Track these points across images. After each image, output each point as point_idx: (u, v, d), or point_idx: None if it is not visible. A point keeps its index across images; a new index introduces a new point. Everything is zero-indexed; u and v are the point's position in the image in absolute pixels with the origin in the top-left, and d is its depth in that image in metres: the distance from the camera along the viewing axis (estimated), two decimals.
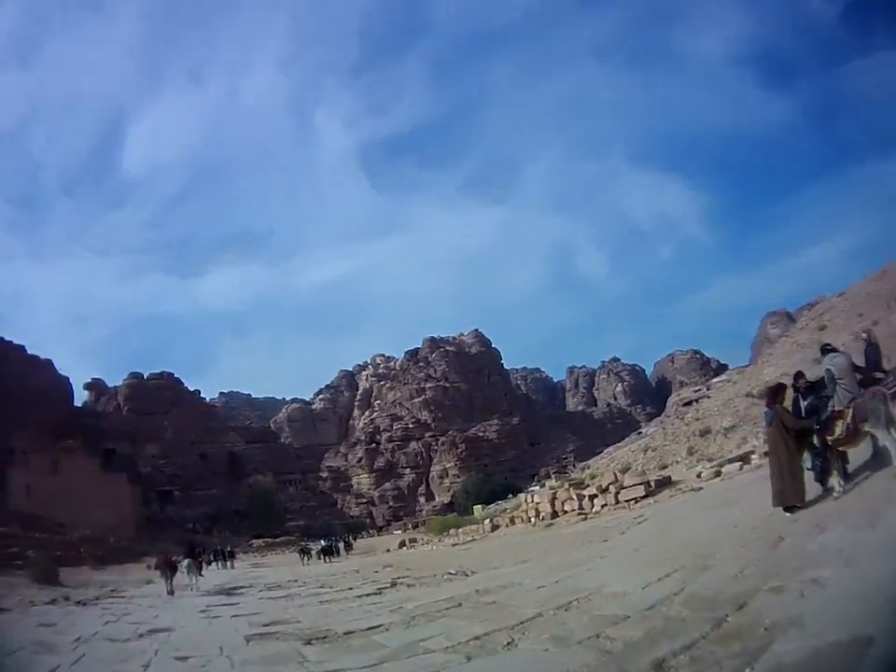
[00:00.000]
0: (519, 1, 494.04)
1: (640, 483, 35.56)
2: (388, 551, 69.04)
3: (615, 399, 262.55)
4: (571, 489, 41.77)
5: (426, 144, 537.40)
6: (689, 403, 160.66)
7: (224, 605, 25.43)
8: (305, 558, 65.19)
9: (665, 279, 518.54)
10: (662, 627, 9.50)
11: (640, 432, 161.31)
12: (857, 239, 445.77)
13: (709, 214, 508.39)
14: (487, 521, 54.63)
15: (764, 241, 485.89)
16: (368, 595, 22.40)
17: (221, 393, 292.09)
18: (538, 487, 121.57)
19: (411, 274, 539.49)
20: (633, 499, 34.55)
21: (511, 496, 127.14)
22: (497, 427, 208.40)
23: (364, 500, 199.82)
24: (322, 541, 75.42)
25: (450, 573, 24.68)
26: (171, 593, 32.83)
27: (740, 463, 32.99)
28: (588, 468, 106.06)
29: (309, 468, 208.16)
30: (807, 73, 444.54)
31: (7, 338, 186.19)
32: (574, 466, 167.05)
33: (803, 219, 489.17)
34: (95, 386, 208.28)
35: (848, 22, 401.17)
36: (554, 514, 41.02)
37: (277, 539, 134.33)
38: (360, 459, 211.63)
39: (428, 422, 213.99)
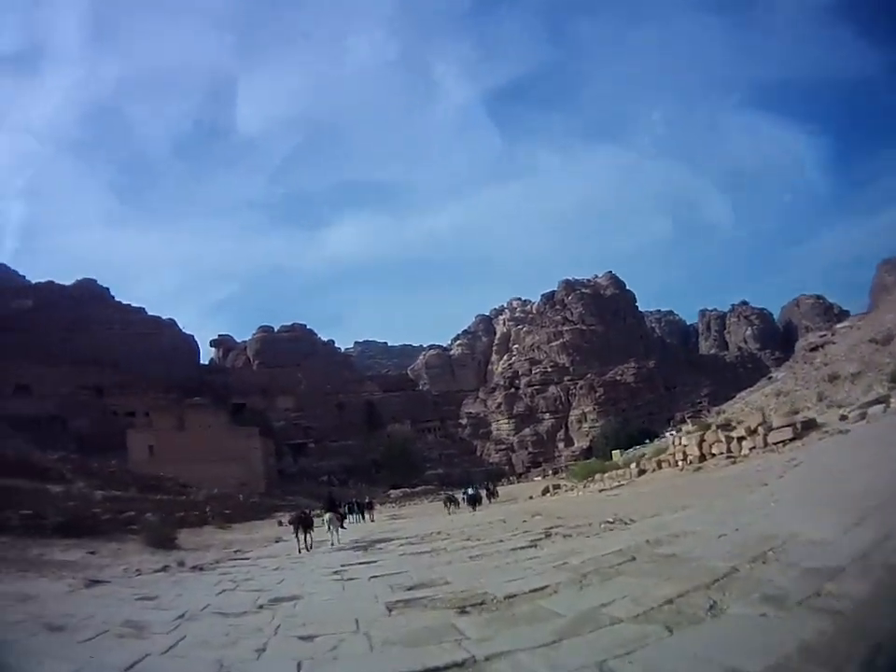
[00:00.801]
0: None
1: (788, 425, 35.05)
2: (531, 498, 67.00)
3: (745, 342, 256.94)
4: (719, 431, 41.13)
5: (543, 89, 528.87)
6: (815, 349, 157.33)
7: (361, 563, 22.99)
8: (452, 507, 63.67)
9: (787, 224, 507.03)
10: (891, 580, 8.47)
11: (770, 377, 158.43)
12: None
13: (827, 158, 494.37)
14: (634, 465, 53.17)
15: (883, 186, 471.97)
16: (522, 548, 20.18)
17: (356, 342, 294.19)
18: (674, 432, 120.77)
19: (539, 218, 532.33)
20: (781, 442, 34.05)
21: (647, 441, 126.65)
22: (633, 371, 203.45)
23: (504, 447, 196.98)
24: (469, 489, 72.06)
25: (607, 521, 22.58)
26: (307, 549, 31.95)
27: (883, 406, 32.98)
28: (723, 412, 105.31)
29: (448, 415, 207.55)
30: None
31: (126, 302, 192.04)
32: (708, 410, 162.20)
33: None
34: (223, 343, 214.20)
35: None
36: (702, 458, 40.50)
37: (415, 489, 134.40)
38: (499, 405, 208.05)
39: (566, 365, 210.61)
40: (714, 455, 39.36)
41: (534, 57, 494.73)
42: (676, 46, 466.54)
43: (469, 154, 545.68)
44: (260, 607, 14.35)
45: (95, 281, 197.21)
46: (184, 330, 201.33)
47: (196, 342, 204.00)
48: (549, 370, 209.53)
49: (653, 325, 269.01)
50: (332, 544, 33.25)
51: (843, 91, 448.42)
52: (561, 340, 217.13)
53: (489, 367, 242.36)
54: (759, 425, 37.18)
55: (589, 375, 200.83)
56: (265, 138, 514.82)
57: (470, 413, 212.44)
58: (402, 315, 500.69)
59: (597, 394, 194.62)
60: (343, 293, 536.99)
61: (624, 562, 13.84)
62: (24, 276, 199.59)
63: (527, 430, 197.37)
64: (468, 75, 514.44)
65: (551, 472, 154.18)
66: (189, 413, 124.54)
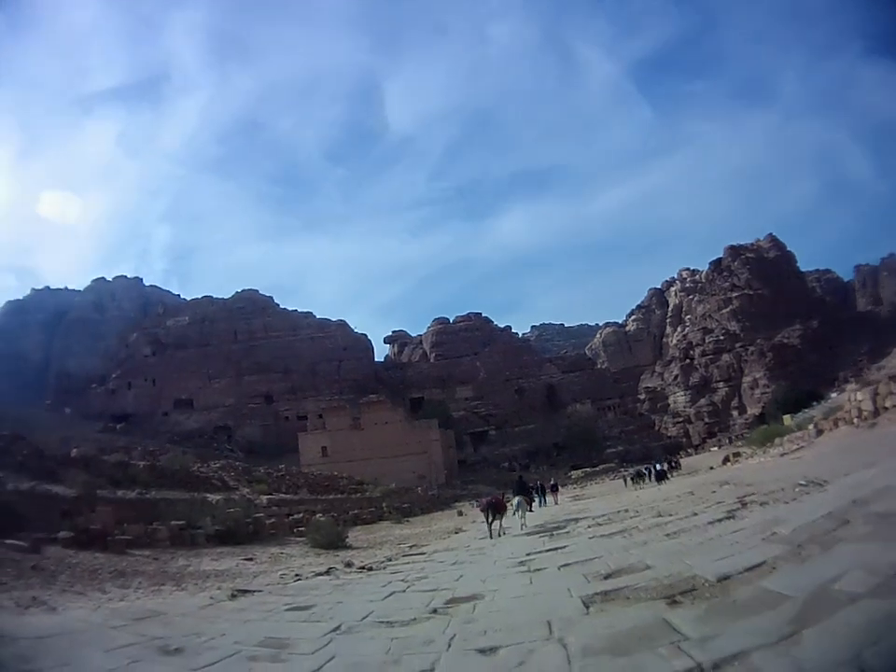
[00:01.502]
0: None
1: None
2: (712, 468, 65.40)
3: None
4: (892, 383, 38.62)
5: (684, 59, 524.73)
6: None
7: (548, 550, 21.51)
8: (639, 481, 65.57)
9: None
10: None
11: None
12: None
13: None
14: (811, 426, 52.16)
15: None
16: (720, 520, 19.08)
17: (533, 326, 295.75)
18: (836, 394, 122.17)
19: (699, 187, 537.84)
20: None
21: (815, 403, 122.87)
22: (799, 333, 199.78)
23: (680, 419, 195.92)
24: (656, 465, 71.90)
25: (801, 484, 21.32)
26: (500, 534, 31.35)
27: None
28: (883, 367, 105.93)
29: (627, 391, 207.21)
30: None
31: (293, 309, 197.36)
32: (868, 368, 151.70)
33: None
34: (397, 339, 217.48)
35: None
36: (876, 412, 37.99)
37: (596, 468, 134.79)
38: (676, 377, 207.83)
39: (737, 332, 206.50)
40: (887, 408, 37.22)
41: (668, 26, 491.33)
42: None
43: (623, 130, 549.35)
44: (434, 611, 13.19)
45: (257, 291, 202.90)
46: (356, 330, 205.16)
47: (370, 340, 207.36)
48: (721, 338, 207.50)
49: (813, 285, 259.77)
50: (523, 527, 32.79)
51: None
52: (730, 307, 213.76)
53: (664, 340, 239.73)
54: None
55: (759, 341, 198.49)
56: (420, 135, 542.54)
57: (648, 387, 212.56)
58: (577, 296, 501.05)
59: (767, 359, 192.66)
60: (517, 280, 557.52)
61: (839, 527, 12.58)
62: (178, 295, 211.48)
63: (703, 401, 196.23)
64: (608, 50, 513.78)
65: (726, 441, 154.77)
66: (365, 410, 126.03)
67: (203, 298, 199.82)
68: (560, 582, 14.57)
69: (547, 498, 61.24)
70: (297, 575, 22.53)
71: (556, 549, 21.57)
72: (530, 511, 41.04)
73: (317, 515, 45.30)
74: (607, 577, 13.92)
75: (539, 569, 17.34)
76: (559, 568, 16.69)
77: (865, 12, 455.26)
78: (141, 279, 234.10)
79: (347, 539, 35.81)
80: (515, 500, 36.25)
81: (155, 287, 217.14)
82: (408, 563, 24.65)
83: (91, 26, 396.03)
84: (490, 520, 32.03)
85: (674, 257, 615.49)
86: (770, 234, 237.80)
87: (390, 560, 26.27)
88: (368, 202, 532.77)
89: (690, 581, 11.56)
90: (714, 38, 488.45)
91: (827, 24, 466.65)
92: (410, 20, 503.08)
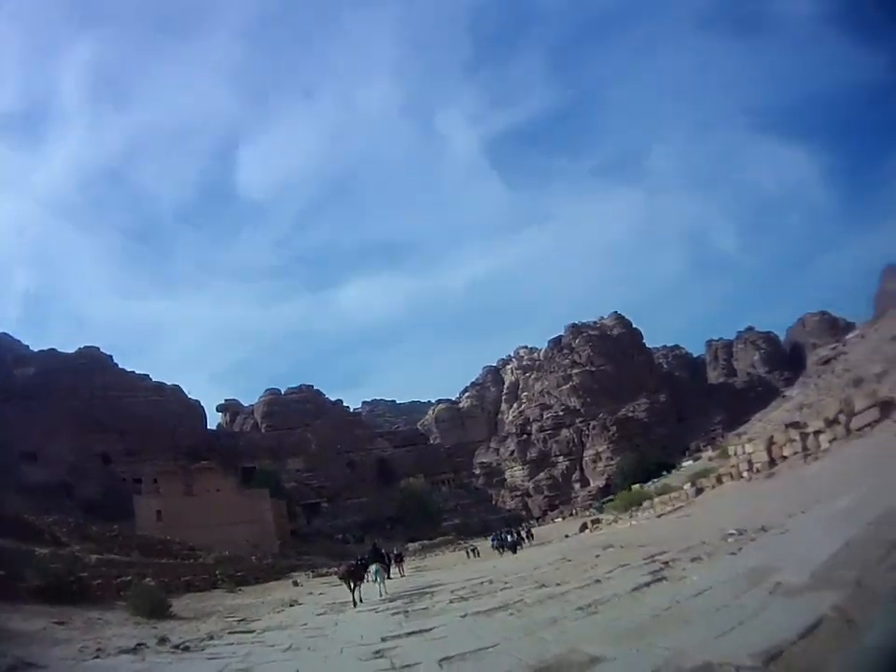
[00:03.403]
0: None
1: (873, 405, 32.35)
2: (567, 537, 65.60)
3: (753, 367, 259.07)
4: (789, 430, 39.04)
5: (551, 133, 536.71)
6: (827, 361, 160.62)
7: (412, 633, 17.12)
8: (500, 552, 62.35)
9: (794, 245, 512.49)
10: None
11: (784, 395, 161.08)
12: None
13: (830, 175, 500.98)
14: (688, 486, 51.45)
15: (883, 196, 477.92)
16: (648, 584, 15.99)
17: (364, 402, 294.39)
18: (691, 461, 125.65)
19: (550, 266, 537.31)
20: (867, 426, 31.67)
21: (665, 472, 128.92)
22: (645, 407, 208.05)
23: (519, 493, 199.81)
24: (507, 535, 69.18)
25: (731, 534, 19.59)
26: (360, 601, 30.71)
27: None
28: (744, 433, 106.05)
29: (461, 466, 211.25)
30: None
31: (131, 369, 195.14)
32: (723, 437, 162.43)
33: None
34: (229, 407, 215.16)
35: None
36: (772, 462, 38.22)
37: (434, 541, 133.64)
38: (512, 452, 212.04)
39: (577, 408, 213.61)
40: (785, 456, 37.33)
41: (541, 100, 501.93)
42: (679, 77, 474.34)
43: (478, 205, 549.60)
44: None
45: (98, 349, 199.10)
46: (190, 396, 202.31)
47: (202, 407, 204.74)
48: (560, 413, 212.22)
49: (661, 361, 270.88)
50: (381, 595, 32.07)
51: (842, 104, 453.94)
52: (570, 383, 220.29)
53: (499, 416, 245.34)
54: (838, 412, 34.91)
55: (601, 415, 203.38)
56: (274, 200, 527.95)
57: (483, 462, 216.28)
58: (415, 372, 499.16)
59: (610, 432, 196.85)
60: (353, 354, 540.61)
61: (822, 587, 9.74)
62: (28, 346, 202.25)
63: (542, 475, 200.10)
64: (473, 122, 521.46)
65: (569, 513, 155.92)
66: (198, 477, 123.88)
67: (49, 350, 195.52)
68: None
69: (392, 569, 55.96)
70: (98, 649, 18.95)
71: (421, 632, 17.12)
72: (389, 577, 40.72)
73: (147, 579, 41.25)
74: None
75: (407, 666, 12.72)
76: (440, 665, 12.07)
77: (751, 89, 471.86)
78: None
79: (172, 608, 32.33)
80: (373, 567, 35.04)
81: (6, 334, 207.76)
82: (232, 643, 20.66)
83: None
84: (352, 587, 31.79)
85: (512, 335, 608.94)
86: (615, 312, 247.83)
87: (212, 638, 22.31)
88: (219, 267, 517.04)
89: None
90: (586, 114, 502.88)
91: (710, 101, 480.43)
92: (282, 77, 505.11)
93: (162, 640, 20.98)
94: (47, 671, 15.76)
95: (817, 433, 35.40)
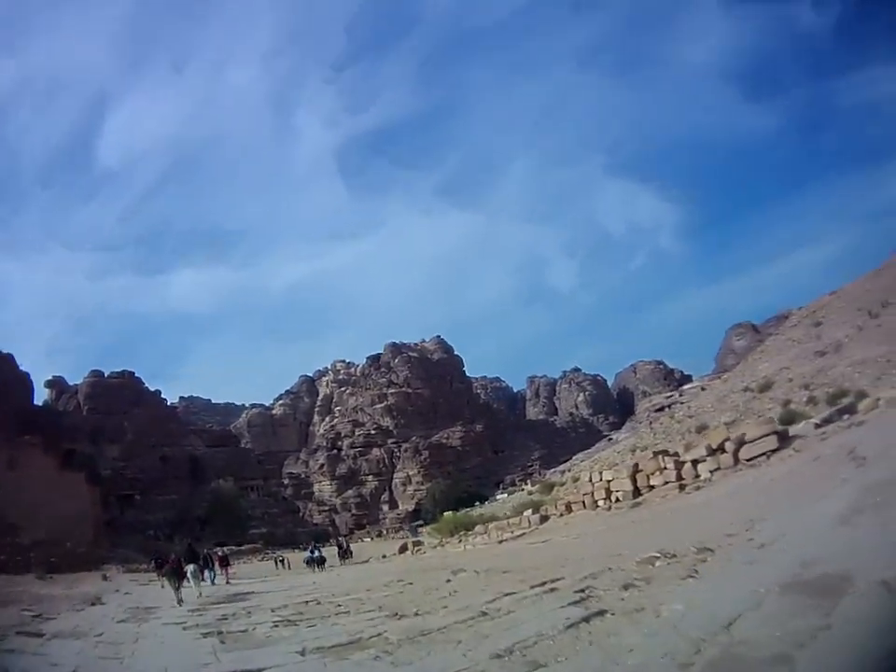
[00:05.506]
0: (505, 2, 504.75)
1: (769, 434, 31.64)
2: (385, 557, 62.70)
3: (576, 408, 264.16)
4: (661, 457, 37.18)
5: (404, 144, 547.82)
6: (661, 409, 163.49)
7: None
8: (315, 567, 57.26)
9: (634, 289, 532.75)
10: None
11: (610, 438, 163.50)
12: (825, 253, 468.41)
13: (682, 226, 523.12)
14: (529, 512, 48.72)
15: (733, 255, 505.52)
16: (584, 620, 12.00)
17: (181, 397, 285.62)
18: (505, 495, 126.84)
19: (378, 279, 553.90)
20: (760, 455, 30.86)
21: (478, 503, 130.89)
22: (460, 435, 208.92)
23: (326, 508, 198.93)
24: (315, 550, 63.20)
25: (655, 556, 16.43)
26: (179, 601, 29.22)
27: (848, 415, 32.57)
28: (569, 470, 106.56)
29: (270, 473, 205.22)
30: (792, 86, 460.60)
31: None
32: (540, 473, 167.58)
33: (774, 233, 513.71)
34: (56, 384, 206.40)
35: (840, 37, 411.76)
36: (637, 492, 36.73)
37: (242, 547, 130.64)
38: (322, 466, 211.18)
39: (390, 428, 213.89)
40: (654, 486, 36.00)
41: (399, 108, 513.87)
42: (544, 104, 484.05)
43: (318, 206, 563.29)
44: None
45: None
46: (20, 368, 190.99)
47: (31, 380, 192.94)
48: (372, 432, 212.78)
49: (479, 391, 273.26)
50: (198, 596, 31.45)
51: (706, 158, 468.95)
52: (385, 402, 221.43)
53: (311, 428, 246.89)
54: (724, 440, 33.89)
55: (414, 438, 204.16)
56: (125, 171, 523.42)
57: (292, 473, 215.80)
58: (228, 372, 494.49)
59: (423, 457, 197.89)
60: (174, 343, 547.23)
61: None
62: None
63: (350, 492, 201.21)
64: (329, 124, 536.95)
65: (376, 534, 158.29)
66: (22, 451, 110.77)
67: None
68: None
69: (217, 573, 47.31)
70: None
71: None
72: (205, 582, 38.70)
73: None
74: None
75: None
76: None
77: (615, 127, 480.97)
78: None
79: None
80: (190, 568, 34.13)
81: None
82: (11, 650, 16.21)
83: None
84: (176, 584, 30.79)
85: (332, 345, 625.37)
86: (437, 336, 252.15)
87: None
88: (63, 234, 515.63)
89: None
90: (441, 128, 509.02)
91: (569, 133, 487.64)
92: (157, 49, 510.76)
93: None
94: None
95: (695, 462, 34.52)
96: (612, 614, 12.08)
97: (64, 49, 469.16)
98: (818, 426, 32.80)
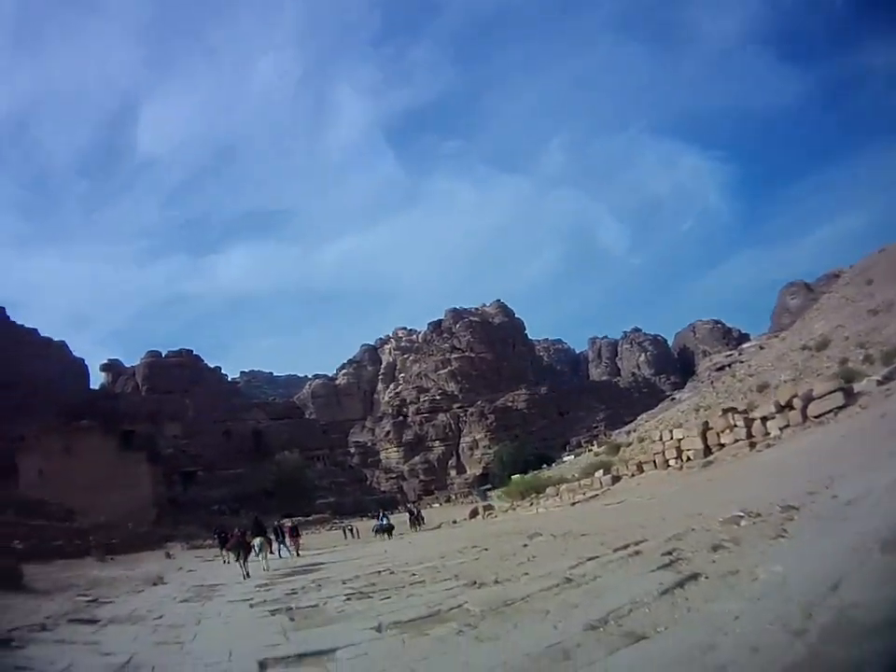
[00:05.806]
0: None
1: (836, 390, 30.71)
2: (455, 522, 61.29)
3: (638, 368, 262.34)
4: (731, 415, 36.07)
5: (447, 116, 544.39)
6: (721, 368, 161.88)
7: (305, 659, 11.48)
8: (384, 536, 56.08)
9: (686, 252, 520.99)
10: None
11: (673, 398, 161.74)
12: (860, 221, 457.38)
13: (728, 187, 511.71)
14: (600, 473, 48.90)
15: (779, 217, 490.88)
16: (679, 585, 11.29)
17: (242, 372, 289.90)
18: (571, 456, 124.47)
19: (433, 248, 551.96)
20: (828, 413, 29.89)
21: (545, 465, 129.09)
22: (525, 397, 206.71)
23: (394, 475, 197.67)
24: (384, 517, 62.45)
25: (738, 516, 15.73)
26: (246, 575, 29.51)
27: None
28: (634, 430, 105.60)
29: (336, 443, 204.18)
30: (821, 52, 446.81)
31: (20, 323, 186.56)
32: (605, 434, 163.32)
33: (814, 200, 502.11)
34: (112, 367, 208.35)
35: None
36: (707, 450, 36.02)
37: (309, 518, 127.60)
38: (388, 433, 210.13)
39: (455, 393, 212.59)
40: (724, 444, 35.14)
41: (440, 83, 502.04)
42: (583, 75, 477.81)
43: (367, 180, 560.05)
44: None
45: None
46: (75, 354, 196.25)
47: (86, 366, 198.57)
48: (437, 397, 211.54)
49: (542, 353, 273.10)
50: (265, 569, 31.58)
51: (754, 121, 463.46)
52: (449, 367, 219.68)
53: (375, 396, 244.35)
54: (792, 397, 32.69)
55: (479, 402, 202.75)
56: (166, 159, 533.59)
57: (358, 441, 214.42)
58: (290, 345, 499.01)
59: (489, 420, 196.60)
60: (231, 322, 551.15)
61: None
62: None
63: (417, 458, 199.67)
64: (369, 96, 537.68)
65: (445, 500, 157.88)
66: (78, 437, 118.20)
67: None
68: None
69: (287, 545, 47.49)
70: None
71: (318, 654, 11.55)
72: (280, 557, 40.14)
73: (15, 542, 38.89)
74: None
75: None
76: None
77: (659, 92, 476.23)
78: None
79: (23, 579, 25.41)
80: (257, 542, 34.11)
81: None
82: (61, 641, 14.75)
83: None
84: (242, 559, 31.11)
85: (391, 315, 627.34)
86: (498, 300, 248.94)
87: (44, 628, 16.09)
88: (105, 222, 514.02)
89: None
90: (485, 101, 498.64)
91: (613, 100, 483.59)
92: (187, 40, 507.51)
93: None
94: None
95: (764, 419, 33.54)
96: (706, 578, 11.46)
97: (101, 47, 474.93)
98: (880, 382, 31.88)
